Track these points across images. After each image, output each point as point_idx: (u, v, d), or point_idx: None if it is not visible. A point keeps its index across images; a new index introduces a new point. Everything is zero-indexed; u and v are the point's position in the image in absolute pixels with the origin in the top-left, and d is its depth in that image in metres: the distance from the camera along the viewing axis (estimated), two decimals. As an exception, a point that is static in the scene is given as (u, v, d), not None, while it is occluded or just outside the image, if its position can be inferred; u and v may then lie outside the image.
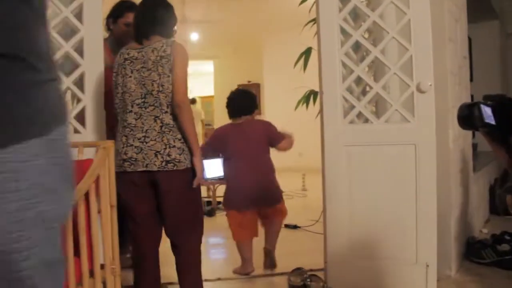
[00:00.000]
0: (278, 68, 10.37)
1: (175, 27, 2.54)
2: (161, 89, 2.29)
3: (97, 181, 2.14)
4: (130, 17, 2.78)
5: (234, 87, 11.66)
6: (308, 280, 2.92)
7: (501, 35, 6.17)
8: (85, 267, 1.96)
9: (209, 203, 5.81)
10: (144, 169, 2.29)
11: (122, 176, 2.29)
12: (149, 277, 2.46)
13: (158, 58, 2.30)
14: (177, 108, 2.29)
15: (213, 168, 5.68)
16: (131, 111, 2.33)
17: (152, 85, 2.29)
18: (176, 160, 2.29)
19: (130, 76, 2.34)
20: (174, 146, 2.29)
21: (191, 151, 2.34)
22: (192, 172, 2.35)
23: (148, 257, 2.45)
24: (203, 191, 6.29)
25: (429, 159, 2.69)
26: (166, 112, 2.30)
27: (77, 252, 1.98)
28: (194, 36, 10.45)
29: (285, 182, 7.49)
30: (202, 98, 16.36)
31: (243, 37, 10.86)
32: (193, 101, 15.34)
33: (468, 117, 1.50)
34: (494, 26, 6.09)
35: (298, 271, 3.07)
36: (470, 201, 3.74)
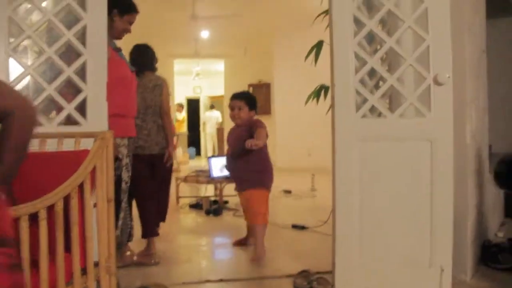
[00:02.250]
0: (288, 68, 10.26)
1: (157, 64, 3.85)
2: (156, 104, 3.66)
3: (93, 173, 2.02)
4: (134, 17, 3.22)
5: (244, 86, 11.65)
6: (315, 283, 2.78)
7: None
8: (76, 263, 1.83)
9: (215, 202, 5.68)
10: (149, 153, 3.63)
11: (135, 157, 3.40)
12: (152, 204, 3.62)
13: (154, 86, 3.68)
14: (164, 115, 3.70)
15: (220, 166, 5.55)
16: (138, 117, 3.48)
17: (151, 101, 3.65)
18: (164, 148, 3.71)
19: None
20: (163, 139, 3.70)
21: (167, 142, 3.73)
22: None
23: (149, 198, 3.59)
24: (211, 190, 6.20)
25: (445, 157, 2.53)
26: (159, 118, 3.69)
27: (69, 248, 1.86)
28: (205, 34, 10.33)
29: (294, 182, 7.43)
30: (212, 98, 16.32)
31: (254, 37, 10.74)
32: (212, 106, 15.39)
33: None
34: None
35: (304, 273, 2.93)
36: (486, 203, 3.58)
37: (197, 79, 15.01)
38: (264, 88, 11.39)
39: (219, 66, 13.66)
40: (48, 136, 2.25)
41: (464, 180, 2.87)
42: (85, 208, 1.91)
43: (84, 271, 1.94)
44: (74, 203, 1.80)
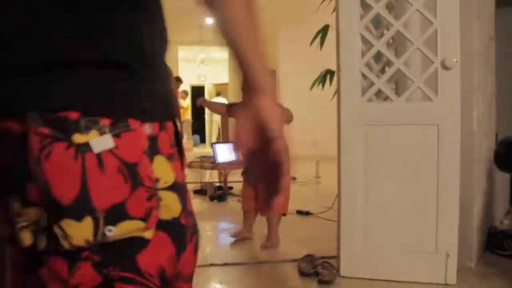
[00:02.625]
0: (294, 55, 10.21)
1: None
2: None
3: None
4: None
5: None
6: (320, 267, 2.77)
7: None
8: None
9: (220, 188, 5.68)
10: None
11: None
12: None
13: None
14: None
15: (225, 152, 5.54)
16: None
17: None
18: None
19: None
20: None
21: None
22: None
23: None
24: (215, 176, 6.19)
25: (452, 141, 2.51)
26: None
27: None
28: (210, 21, 10.28)
29: (299, 169, 7.38)
30: (216, 85, 16.30)
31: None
32: (218, 93, 15.40)
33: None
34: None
35: (309, 257, 2.93)
36: (493, 189, 3.56)
37: (201, 67, 14.98)
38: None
39: (224, 53, 13.61)
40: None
41: (471, 166, 2.85)
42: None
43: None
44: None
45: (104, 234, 0.68)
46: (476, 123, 2.81)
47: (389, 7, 2.92)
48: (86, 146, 0.66)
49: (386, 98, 2.67)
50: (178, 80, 10.04)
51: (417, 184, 2.59)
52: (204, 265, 3.00)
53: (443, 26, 2.49)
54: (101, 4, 0.71)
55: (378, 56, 2.83)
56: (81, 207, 0.66)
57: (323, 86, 4.07)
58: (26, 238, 0.68)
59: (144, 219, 0.70)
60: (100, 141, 0.67)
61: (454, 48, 2.49)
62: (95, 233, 0.67)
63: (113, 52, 0.71)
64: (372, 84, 2.66)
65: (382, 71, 2.84)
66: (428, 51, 2.54)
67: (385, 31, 2.77)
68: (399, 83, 2.93)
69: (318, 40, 3.88)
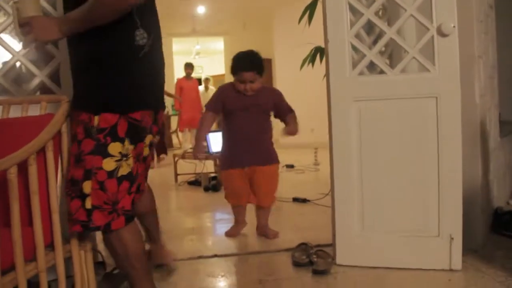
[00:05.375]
0: (289, 43, 9.98)
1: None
2: None
3: (59, 140, 1.82)
4: None
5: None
6: (314, 256, 2.59)
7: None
8: (38, 237, 1.63)
9: (214, 178, 5.50)
10: None
11: None
12: None
13: None
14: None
15: (218, 142, 5.35)
16: None
17: None
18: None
19: None
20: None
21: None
22: None
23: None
24: (210, 167, 5.99)
25: (453, 114, 2.30)
26: None
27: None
28: (201, 9, 10.07)
29: (297, 157, 7.23)
30: (213, 77, 16.08)
31: (253, 11, 10.45)
32: (206, 87, 15.09)
33: None
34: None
35: (303, 246, 2.74)
36: (497, 168, 3.36)
37: (197, 58, 14.76)
38: (265, 64, 11.13)
39: (219, 44, 13.41)
40: (13, 102, 2.05)
41: (474, 142, 2.65)
42: (49, 177, 1.72)
43: (52, 247, 1.76)
44: (33, 170, 1.60)
45: None
46: (478, 95, 2.61)
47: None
48: None
49: (381, 73, 2.46)
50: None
51: (416, 163, 2.39)
52: (192, 258, 2.82)
53: (438, -11, 2.28)
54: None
55: (370, 28, 2.63)
56: None
57: (313, 65, 3.86)
58: None
59: None
60: None
61: (451, 13, 2.28)
62: None
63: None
64: (364, 57, 2.45)
65: (375, 43, 2.63)
66: (422, 18, 2.33)
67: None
68: (393, 56, 2.74)
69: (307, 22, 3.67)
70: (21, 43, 1.84)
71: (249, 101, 3.07)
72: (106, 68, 1.67)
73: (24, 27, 1.66)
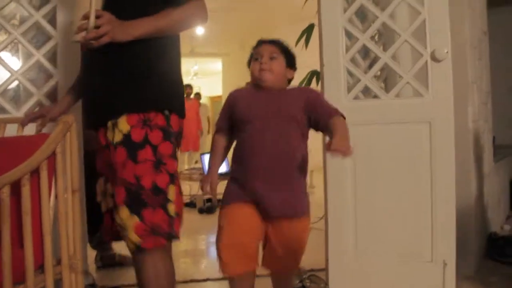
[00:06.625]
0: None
1: None
2: None
3: (53, 160, 1.82)
4: None
5: (242, 85, 11.37)
6: (307, 281, 2.57)
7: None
8: (28, 259, 1.62)
9: (209, 200, 5.48)
10: None
11: None
12: None
13: None
14: None
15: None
16: None
17: None
18: None
19: None
20: None
21: None
22: None
23: None
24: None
25: (446, 139, 2.32)
26: None
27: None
28: (200, 30, 10.14)
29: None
30: (211, 98, 16.14)
31: (251, 32, 10.53)
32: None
33: None
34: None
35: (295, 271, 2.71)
36: (491, 193, 3.36)
37: (195, 79, 14.82)
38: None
39: (217, 65, 13.47)
40: (8, 121, 2.06)
41: (467, 167, 2.66)
42: (42, 198, 1.71)
43: (43, 269, 1.74)
44: (26, 191, 1.60)
45: None
46: (471, 120, 2.63)
47: (375, 2, 2.75)
48: None
49: (375, 97, 2.48)
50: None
51: (409, 187, 2.39)
52: (184, 281, 2.80)
53: (431, 16, 2.32)
54: None
55: (366, 53, 2.66)
56: None
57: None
58: None
59: None
60: None
61: (445, 39, 2.31)
62: None
63: None
64: (359, 81, 2.48)
65: (371, 67, 2.65)
66: (417, 43, 2.36)
67: (372, 24, 2.59)
68: (388, 81, 2.75)
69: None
70: (79, 37, 1.57)
71: (268, 102, 1.92)
72: (170, 66, 1.70)
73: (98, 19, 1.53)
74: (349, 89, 2.48)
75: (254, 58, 2.01)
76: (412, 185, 2.39)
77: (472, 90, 2.64)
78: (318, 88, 2.71)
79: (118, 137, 1.58)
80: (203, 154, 5.59)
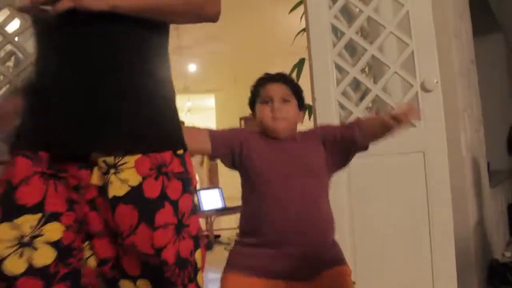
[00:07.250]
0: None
1: None
2: None
3: None
4: None
5: (236, 120, 11.37)
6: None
7: (506, 49, 5.87)
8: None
9: (206, 236, 5.45)
10: None
11: None
12: None
13: None
14: None
15: (210, 199, 5.36)
16: None
17: None
18: None
19: None
20: None
21: None
22: None
23: None
24: (201, 224, 5.94)
25: (440, 168, 2.32)
26: None
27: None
28: (192, 68, 10.25)
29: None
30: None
31: (243, 66, 10.64)
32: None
33: None
34: (499, 39, 5.80)
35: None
36: (489, 220, 3.35)
37: (189, 115, 14.89)
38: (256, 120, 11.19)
39: (210, 101, 13.55)
40: None
41: (463, 195, 2.66)
42: None
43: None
44: None
45: None
46: (464, 148, 2.64)
47: (364, 35, 2.79)
48: None
49: (368, 129, 2.49)
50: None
51: (406, 219, 2.38)
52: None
53: (419, 47, 2.35)
54: None
55: (356, 85, 2.68)
56: None
57: (302, 122, 3.89)
58: None
59: None
60: None
61: (433, 69, 2.34)
62: None
63: None
64: (351, 114, 2.49)
65: (362, 99, 2.68)
66: (406, 74, 2.39)
67: (361, 57, 2.63)
68: (380, 112, 2.77)
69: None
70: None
71: (289, 157, 1.73)
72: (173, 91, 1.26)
73: None
74: (342, 122, 2.49)
75: (262, 100, 1.75)
76: (409, 217, 2.37)
77: (463, 118, 2.66)
78: (311, 122, 2.73)
79: (121, 190, 1.09)
80: (198, 190, 5.58)
